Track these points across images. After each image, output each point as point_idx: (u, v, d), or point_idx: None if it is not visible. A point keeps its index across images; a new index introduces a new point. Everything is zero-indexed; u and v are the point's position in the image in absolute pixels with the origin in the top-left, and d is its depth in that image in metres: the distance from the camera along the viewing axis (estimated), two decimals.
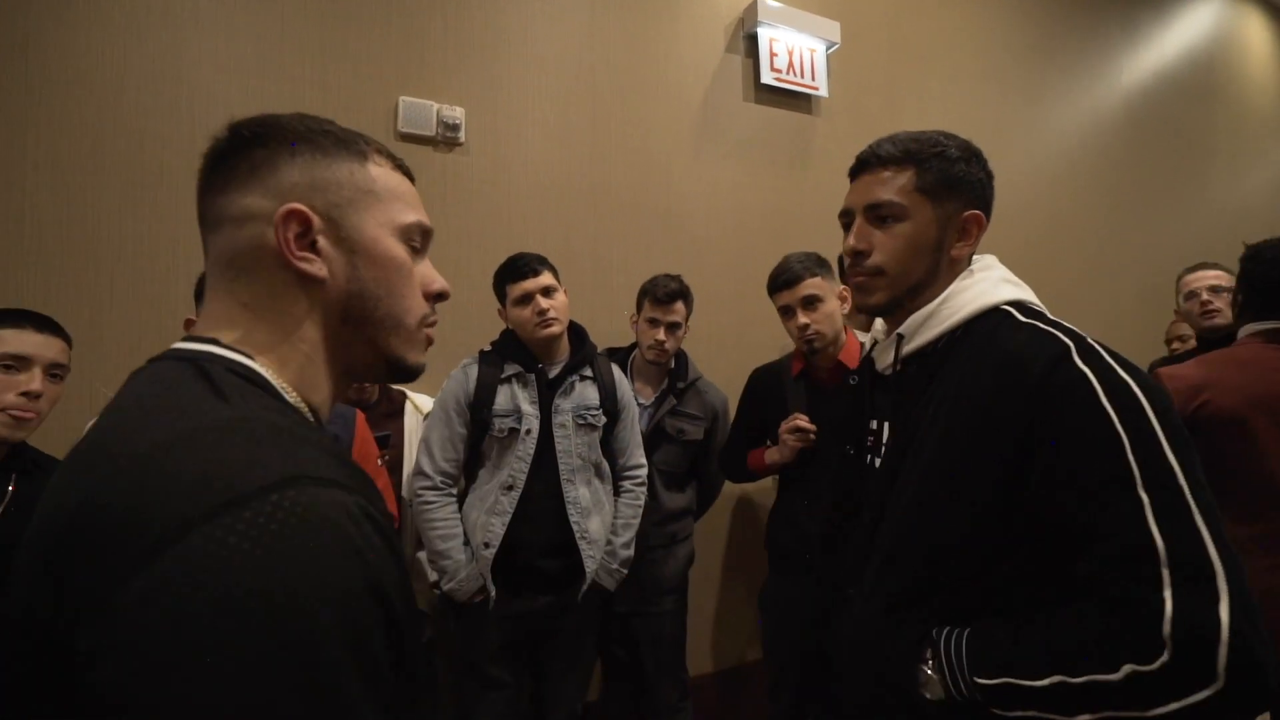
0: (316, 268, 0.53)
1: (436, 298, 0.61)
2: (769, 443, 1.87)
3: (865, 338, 1.02)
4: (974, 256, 0.90)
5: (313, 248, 0.53)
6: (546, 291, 1.70)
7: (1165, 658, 0.61)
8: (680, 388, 2.00)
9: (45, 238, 1.76)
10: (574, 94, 2.46)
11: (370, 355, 0.57)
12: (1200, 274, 2.25)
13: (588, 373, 1.78)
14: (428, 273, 0.60)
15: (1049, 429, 0.70)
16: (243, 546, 0.36)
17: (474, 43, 2.30)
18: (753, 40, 2.79)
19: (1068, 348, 0.72)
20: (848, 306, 1.79)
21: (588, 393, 1.76)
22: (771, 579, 1.92)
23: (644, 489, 1.84)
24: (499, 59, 2.34)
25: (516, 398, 1.70)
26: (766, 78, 2.77)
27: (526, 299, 1.69)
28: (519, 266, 1.72)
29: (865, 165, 0.89)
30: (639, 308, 2.02)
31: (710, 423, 2.04)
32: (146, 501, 0.38)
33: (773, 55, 2.78)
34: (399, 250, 0.56)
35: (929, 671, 0.75)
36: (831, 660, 0.93)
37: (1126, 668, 0.63)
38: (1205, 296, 2.18)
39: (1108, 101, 3.89)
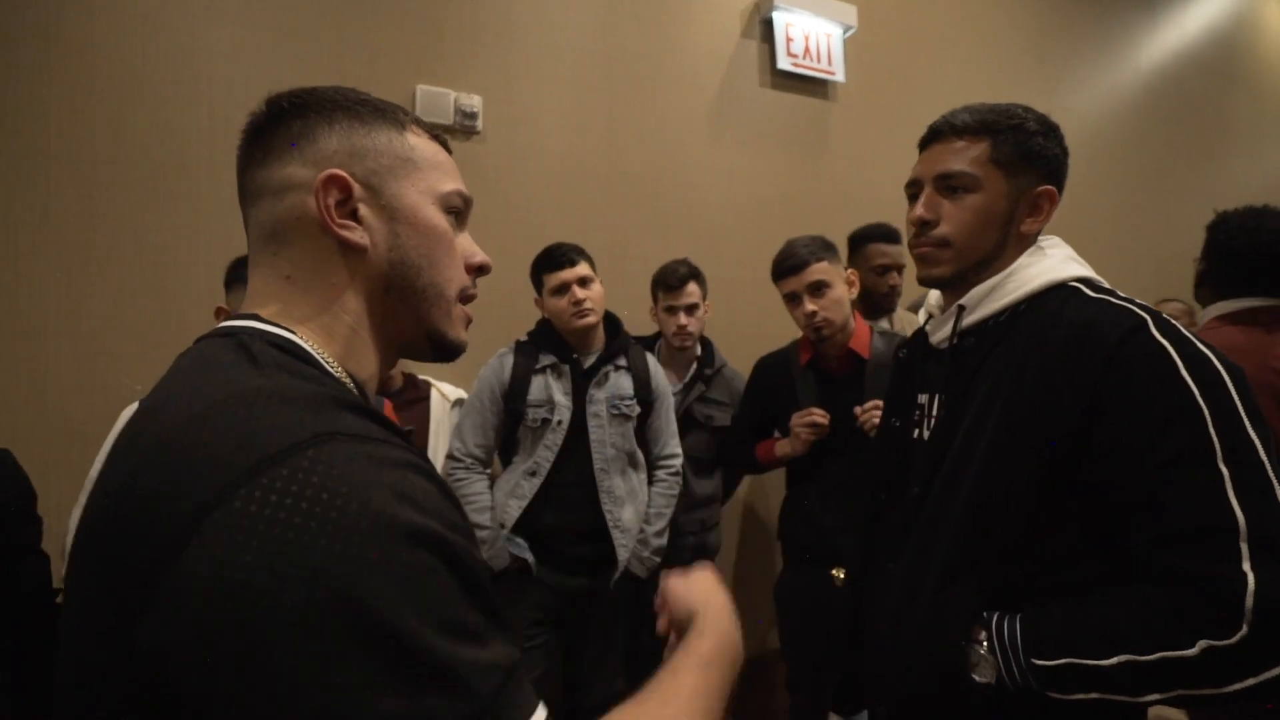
0: (358, 235, 0.52)
1: (478, 270, 0.59)
2: (777, 434, 1.84)
3: (924, 310, 1.00)
4: (1041, 235, 0.88)
5: (353, 216, 0.52)
6: (583, 282, 1.71)
7: (1245, 632, 0.60)
8: (708, 374, 2.00)
9: (68, 231, 1.76)
10: (590, 82, 2.44)
11: (413, 328, 0.56)
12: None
13: (622, 363, 1.78)
14: (468, 245, 0.59)
15: (1122, 399, 0.68)
16: (284, 503, 0.35)
17: (490, 31, 2.28)
18: (769, 25, 2.75)
19: (1144, 320, 0.71)
20: (855, 291, 1.75)
21: (622, 383, 1.76)
22: (787, 573, 1.89)
23: (678, 478, 1.84)
24: (515, 47, 2.32)
25: (550, 388, 1.71)
26: (783, 63, 2.74)
27: (563, 289, 1.70)
28: (556, 256, 1.73)
29: (938, 134, 0.87)
30: (654, 299, 2.02)
31: (737, 409, 2.02)
32: (181, 475, 0.37)
33: (789, 40, 2.75)
34: (440, 219, 0.56)
35: (981, 652, 0.73)
36: (861, 641, 0.90)
37: (1202, 643, 0.61)
38: None
39: (1127, 83, 3.84)
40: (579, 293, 1.69)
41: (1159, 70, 3.97)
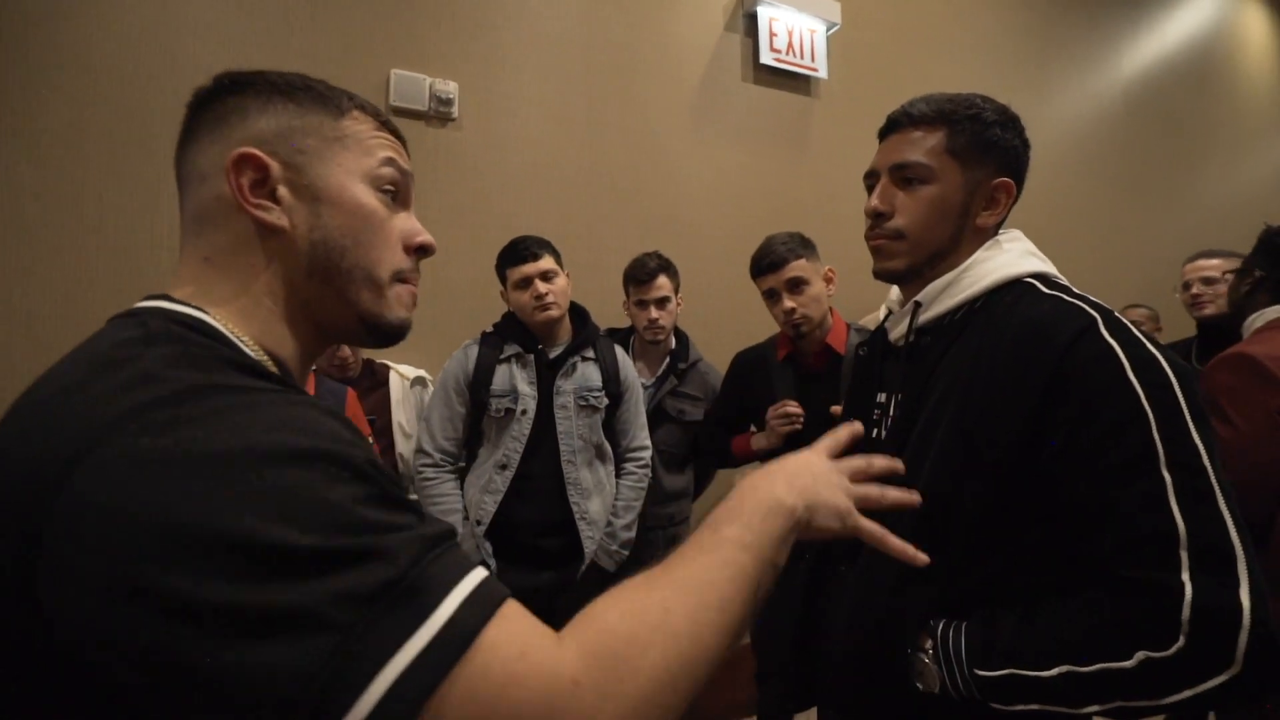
0: (275, 216, 0.50)
1: (419, 250, 0.57)
2: (753, 428, 1.84)
3: (877, 314, 0.99)
4: (1000, 228, 0.86)
5: (271, 196, 0.51)
6: (545, 276, 1.69)
7: (1181, 643, 0.59)
8: (681, 368, 1.99)
9: (25, 209, 1.71)
10: (571, 71, 2.41)
11: (342, 311, 0.54)
12: (1197, 264, 2.25)
13: (590, 354, 1.77)
14: (408, 225, 0.57)
15: (1069, 402, 0.67)
16: (161, 438, 0.35)
17: (469, 15, 2.24)
18: (752, 19, 2.74)
19: (1094, 320, 0.69)
20: (833, 288, 1.75)
21: (590, 374, 1.75)
22: None
23: (647, 470, 1.84)
24: (495, 33, 2.28)
25: (514, 378, 1.70)
26: (766, 58, 2.72)
27: (525, 283, 1.69)
28: (519, 250, 1.71)
29: (896, 125, 0.86)
30: (626, 293, 2.00)
31: (711, 404, 2.02)
32: (59, 428, 0.37)
33: (772, 35, 2.74)
34: (368, 197, 0.53)
35: (926, 661, 0.72)
36: (820, 641, 0.89)
37: (1140, 654, 0.60)
38: (1196, 289, 2.18)
39: (1108, 90, 3.87)
40: (541, 287, 1.67)
41: (1140, 77, 4.01)
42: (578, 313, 1.82)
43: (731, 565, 0.46)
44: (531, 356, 1.72)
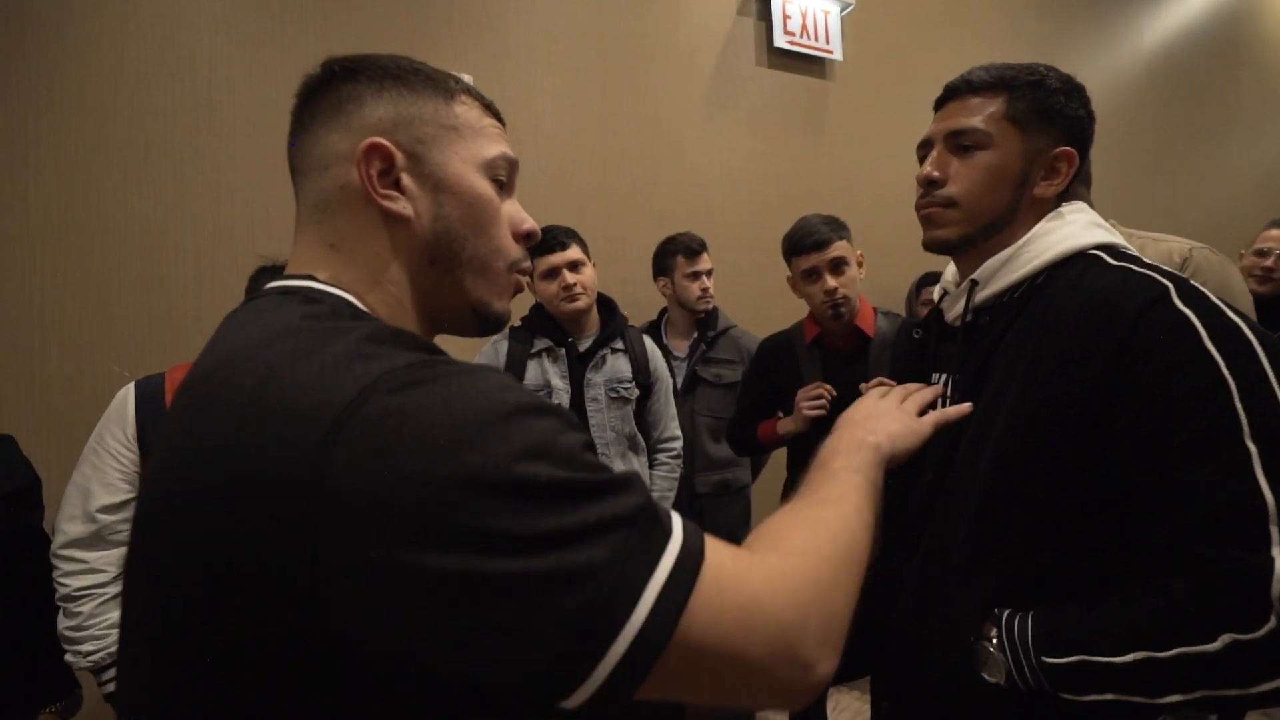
0: (401, 205, 0.51)
1: (526, 238, 0.58)
2: (780, 414, 1.83)
3: (939, 287, 0.96)
4: (1063, 200, 0.82)
5: (397, 185, 0.51)
6: (573, 266, 1.69)
7: (1273, 624, 0.55)
8: (711, 335, 2.07)
9: (50, 217, 1.72)
10: (583, 63, 2.39)
11: (458, 300, 0.55)
12: (1269, 232, 2.11)
13: (619, 345, 1.77)
14: (516, 212, 0.57)
15: (1142, 376, 0.63)
16: (415, 397, 0.37)
17: (480, 8, 2.23)
18: (766, 2, 2.70)
19: (1166, 288, 0.65)
20: (864, 272, 1.74)
21: (619, 365, 1.75)
22: None
23: (679, 461, 1.84)
24: (506, 25, 2.27)
25: (546, 372, 1.70)
26: (780, 41, 2.68)
27: (553, 273, 1.68)
28: (546, 239, 1.71)
29: (954, 93, 0.82)
30: (668, 270, 2.08)
31: (747, 366, 2.07)
32: (296, 407, 0.37)
33: (786, 18, 2.70)
34: (485, 186, 0.54)
35: (991, 650, 0.69)
36: (881, 628, 0.87)
37: (1225, 637, 0.56)
38: (1273, 261, 2.05)
39: (1128, 62, 3.79)
40: (569, 277, 1.67)
41: (1161, 49, 3.92)
42: (605, 304, 1.81)
43: (847, 485, 0.57)
44: (562, 350, 1.71)
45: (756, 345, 2.09)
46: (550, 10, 2.34)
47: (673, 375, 2.04)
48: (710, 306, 2.07)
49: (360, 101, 0.51)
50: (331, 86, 0.52)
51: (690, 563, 0.38)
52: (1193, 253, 1.13)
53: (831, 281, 1.64)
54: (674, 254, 2.06)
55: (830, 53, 2.79)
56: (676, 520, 0.41)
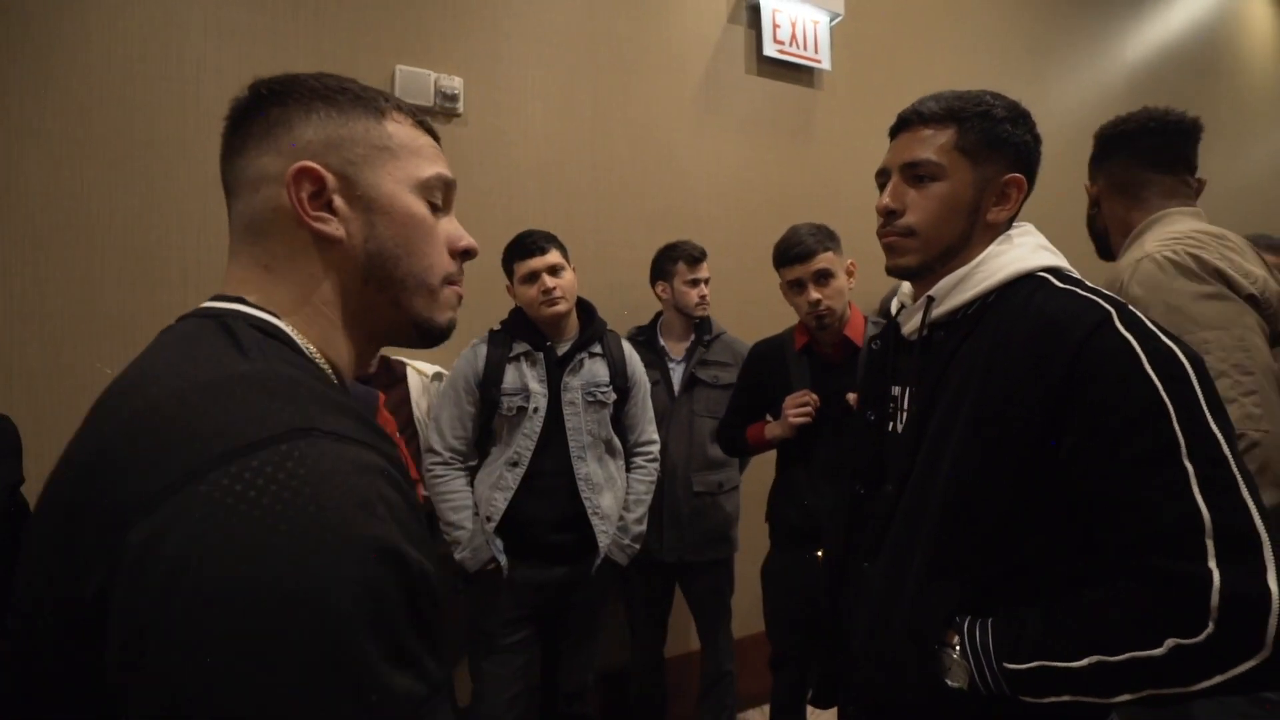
0: (332, 228, 0.52)
1: (463, 255, 0.59)
2: (769, 418, 1.86)
3: (896, 300, 1.00)
4: (1014, 223, 0.87)
5: (328, 207, 0.52)
6: (553, 270, 1.70)
7: (1211, 629, 0.60)
8: (707, 339, 2.12)
9: (33, 211, 1.71)
10: (575, 65, 2.41)
11: (395, 317, 0.55)
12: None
13: (597, 349, 1.78)
14: (453, 229, 0.58)
15: (1088, 397, 0.68)
16: (248, 495, 0.35)
17: (473, 11, 2.24)
18: (755, 11, 2.73)
19: (1109, 313, 0.70)
20: (854, 281, 1.76)
21: (597, 369, 1.76)
22: (774, 553, 1.93)
23: (655, 464, 1.86)
24: (499, 28, 2.28)
25: (525, 376, 1.71)
26: (769, 49, 2.71)
27: (533, 277, 1.70)
28: (526, 244, 1.72)
29: (906, 123, 0.87)
30: (668, 275, 2.12)
31: (741, 369, 2.11)
32: (154, 452, 0.37)
33: (775, 26, 2.73)
34: (418, 206, 0.55)
35: (954, 657, 0.73)
36: (841, 635, 0.90)
37: (1170, 642, 0.61)
38: None
39: (1112, 78, 3.86)
40: (548, 281, 1.68)
41: (1144, 65, 4.00)
42: (584, 308, 1.83)
43: None
44: (540, 354, 1.72)
45: (748, 350, 2.13)
46: (543, 14, 2.35)
47: (669, 376, 2.06)
48: (706, 313, 2.14)
49: (289, 124, 0.52)
50: (260, 110, 0.53)
51: None
52: (1139, 265, 1.17)
53: (815, 294, 1.66)
54: (676, 260, 2.11)
55: (819, 62, 2.83)
56: None
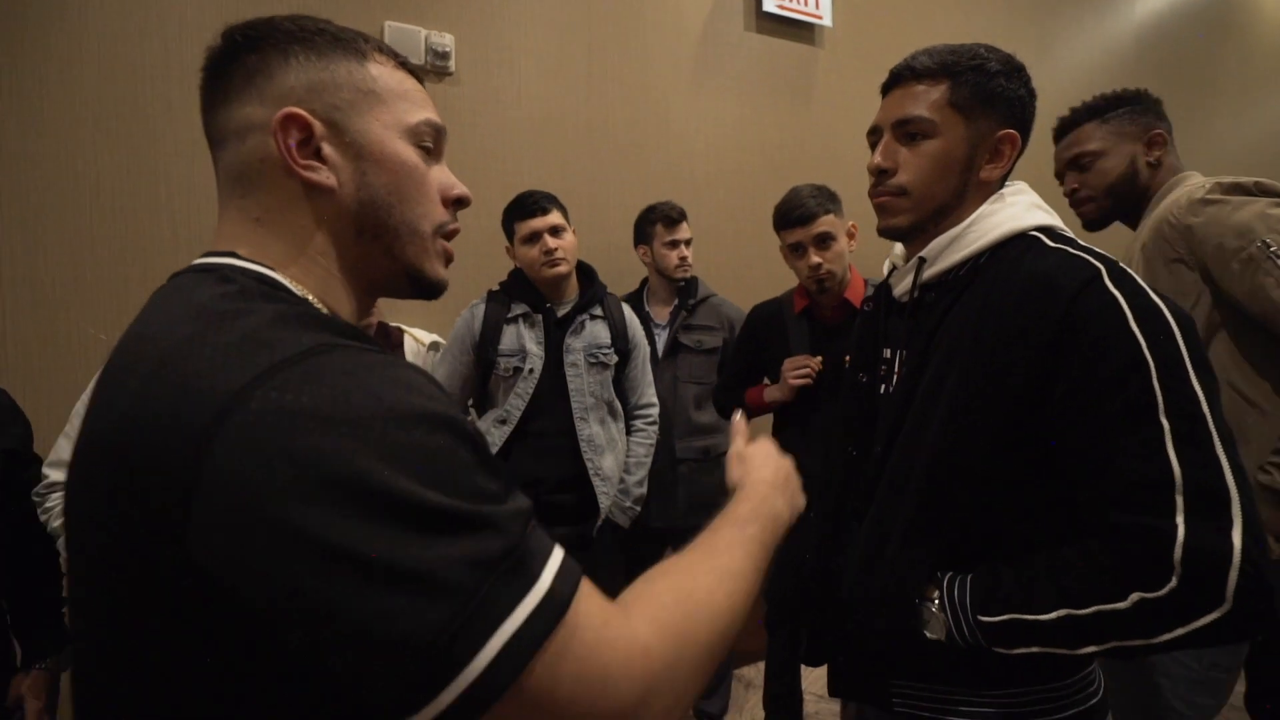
0: (323, 176, 0.50)
1: (456, 203, 0.57)
2: (767, 380, 1.86)
3: (888, 262, 0.99)
4: (1006, 181, 0.85)
5: (318, 155, 0.50)
6: (554, 231, 1.69)
7: (1174, 583, 0.61)
8: (691, 304, 2.10)
9: (18, 175, 1.68)
10: (569, 22, 2.34)
11: (389, 266, 0.54)
12: None
13: (598, 312, 1.79)
14: (445, 177, 0.57)
15: (1075, 353, 0.68)
16: (298, 401, 0.36)
17: None
18: None
19: (1099, 271, 0.70)
20: (855, 244, 1.75)
21: (598, 331, 1.77)
22: None
23: (655, 427, 1.88)
24: None
25: (523, 337, 1.71)
26: (769, 5, 2.64)
27: (534, 238, 1.69)
28: (527, 204, 1.70)
29: (899, 79, 0.84)
30: (647, 238, 2.09)
31: (728, 332, 2.11)
32: (191, 388, 0.38)
33: None
34: (409, 153, 0.53)
35: (933, 610, 0.75)
36: (832, 592, 0.92)
37: (1134, 595, 0.63)
38: None
39: (1119, 34, 3.76)
40: (550, 242, 1.67)
41: (1153, 20, 3.89)
42: (585, 271, 1.82)
43: (752, 558, 0.54)
44: (540, 316, 1.72)
45: (737, 312, 2.12)
46: None
47: (654, 342, 2.06)
48: (688, 275, 2.10)
49: (269, 71, 0.50)
50: (237, 58, 0.51)
51: (548, 615, 0.37)
52: (1190, 205, 1.22)
53: (815, 257, 1.65)
54: (654, 223, 2.08)
55: (820, 18, 2.75)
56: (551, 565, 0.39)
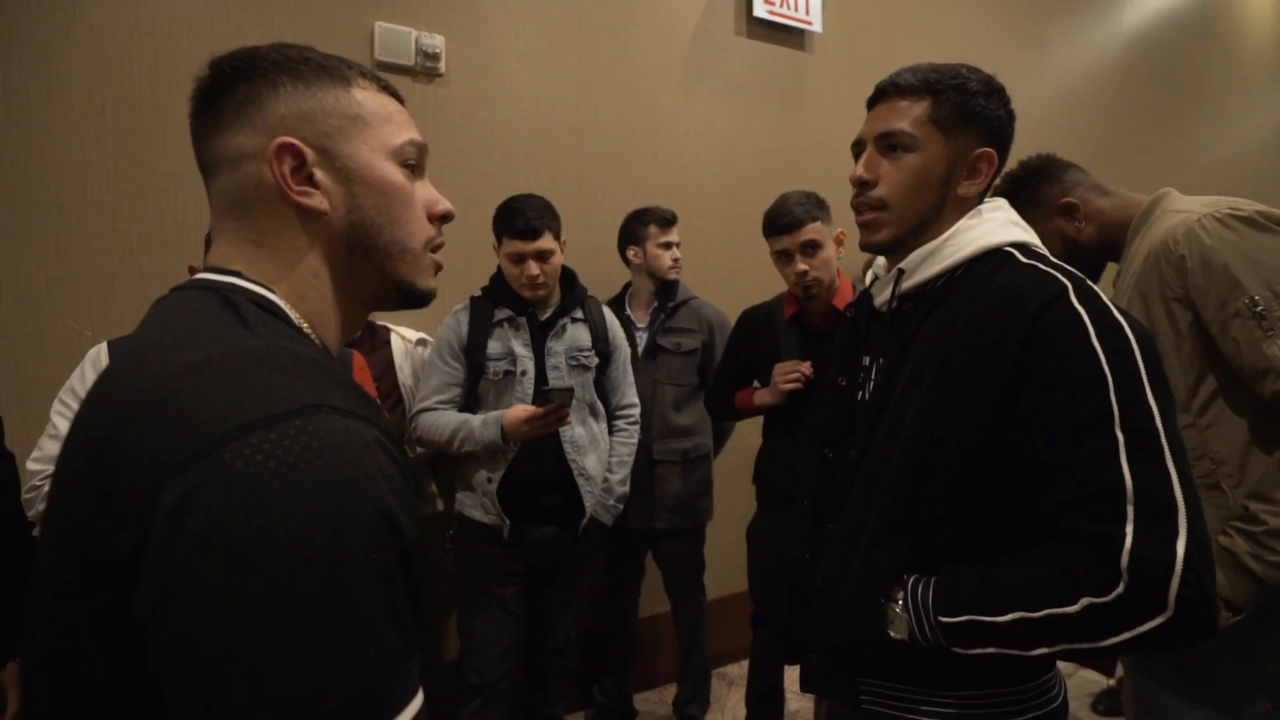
0: (316, 200, 0.53)
1: (441, 219, 0.60)
2: (756, 384, 1.88)
3: (871, 271, 1.01)
4: (985, 197, 0.88)
5: (310, 181, 0.53)
6: (540, 255, 1.70)
7: (1120, 589, 0.64)
8: (670, 306, 2.12)
9: (5, 171, 1.68)
10: (560, 23, 2.35)
11: (380, 284, 0.57)
12: None
13: (579, 315, 1.81)
14: (429, 194, 0.60)
15: (1039, 367, 0.70)
16: (269, 465, 0.38)
17: None
18: None
19: (1065, 288, 0.72)
20: (843, 251, 1.76)
21: (579, 334, 1.79)
22: (760, 515, 1.97)
23: (637, 427, 1.91)
24: None
25: (509, 341, 1.73)
26: (759, 10, 2.66)
27: (520, 258, 1.70)
28: (517, 224, 1.70)
29: (883, 94, 0.87)
30: (640, 239, 2.11)
31: (708, 335, 2.14)
32: (176, 421, 0.39)
33: None
34: (396, 174, 0.56)
35: (897, 610, 0.78)
36: (808, 592, 0.95)
37: (1084, 600, 0.66)
38: None
39: (1107, 43, 3.80)
40: (534, 268, 1.69)
41: (1141, 28, 3.94)
42: (566, 274, 1.84)
43: None
44: (524, 319, 1.74)
45: (717, 315, 2.16)
46: None
47: (635, 345, 2.07)
48: (678, 275, 2.14)
49: (259, 101, 0.52)
50: (226, 88, 0.53)
51: None
52: (1199, 223, 1.15)
53: (801, 264, 1.67)
54: (648, 223, 2.11)
55: (810, 24, 2.77)
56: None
